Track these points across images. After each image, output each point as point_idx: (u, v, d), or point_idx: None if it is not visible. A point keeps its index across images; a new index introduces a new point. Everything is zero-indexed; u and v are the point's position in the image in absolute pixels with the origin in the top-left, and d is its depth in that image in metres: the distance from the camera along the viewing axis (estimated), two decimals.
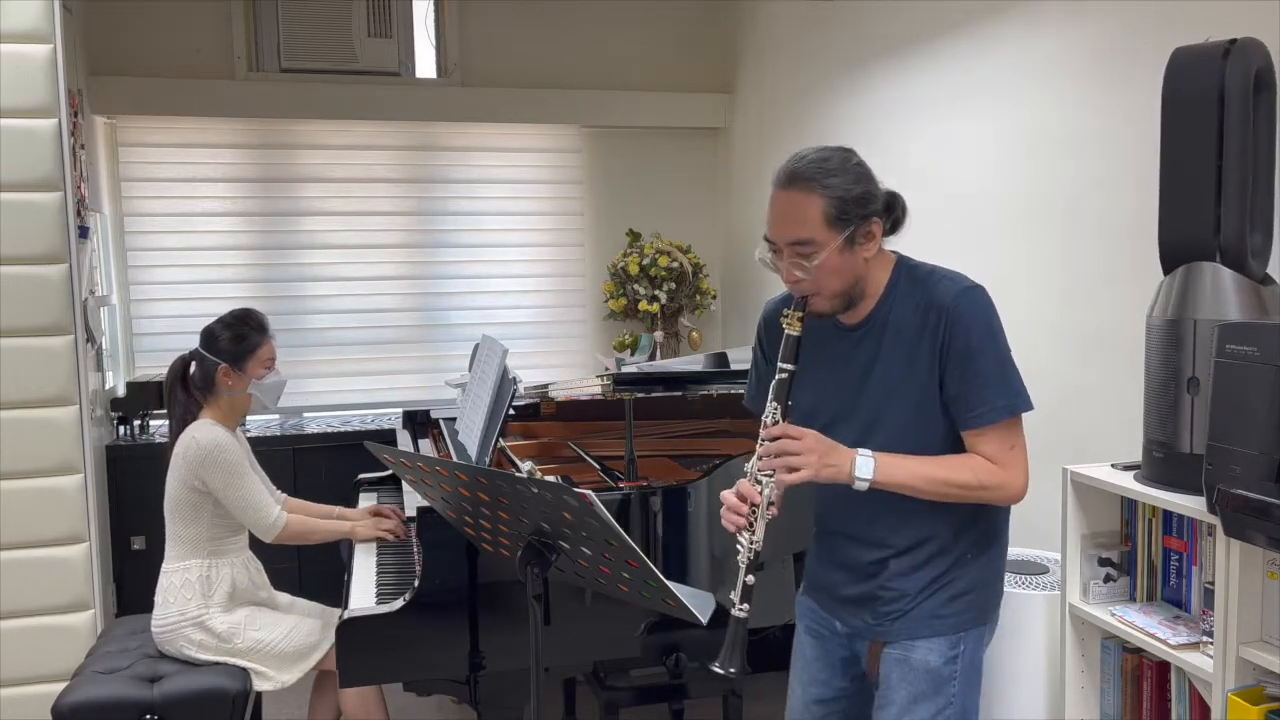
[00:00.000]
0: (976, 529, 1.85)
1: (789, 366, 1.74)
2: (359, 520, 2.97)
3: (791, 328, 1.74)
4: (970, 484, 1.75)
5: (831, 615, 1.98)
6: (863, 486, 1.72)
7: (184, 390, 2.83)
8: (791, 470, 1.69)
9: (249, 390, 2.84)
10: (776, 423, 1.73)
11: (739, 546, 1.72)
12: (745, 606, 1.69)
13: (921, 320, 1.77)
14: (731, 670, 1.68)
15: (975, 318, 1.74)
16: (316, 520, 2.94)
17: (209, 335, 2.84)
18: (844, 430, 1.81)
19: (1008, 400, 1.74)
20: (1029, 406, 1.77)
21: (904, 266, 1.84)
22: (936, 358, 1.75)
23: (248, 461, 2.81)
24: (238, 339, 2.82)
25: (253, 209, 4.74)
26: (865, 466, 1.71)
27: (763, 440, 1.73)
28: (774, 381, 1.75)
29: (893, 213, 1.81)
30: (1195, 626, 2.03)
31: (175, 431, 2.80)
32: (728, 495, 1.75)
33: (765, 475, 1.71)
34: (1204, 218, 1.96)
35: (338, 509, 3.08)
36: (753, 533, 1.72)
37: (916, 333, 1.77)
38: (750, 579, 1.71)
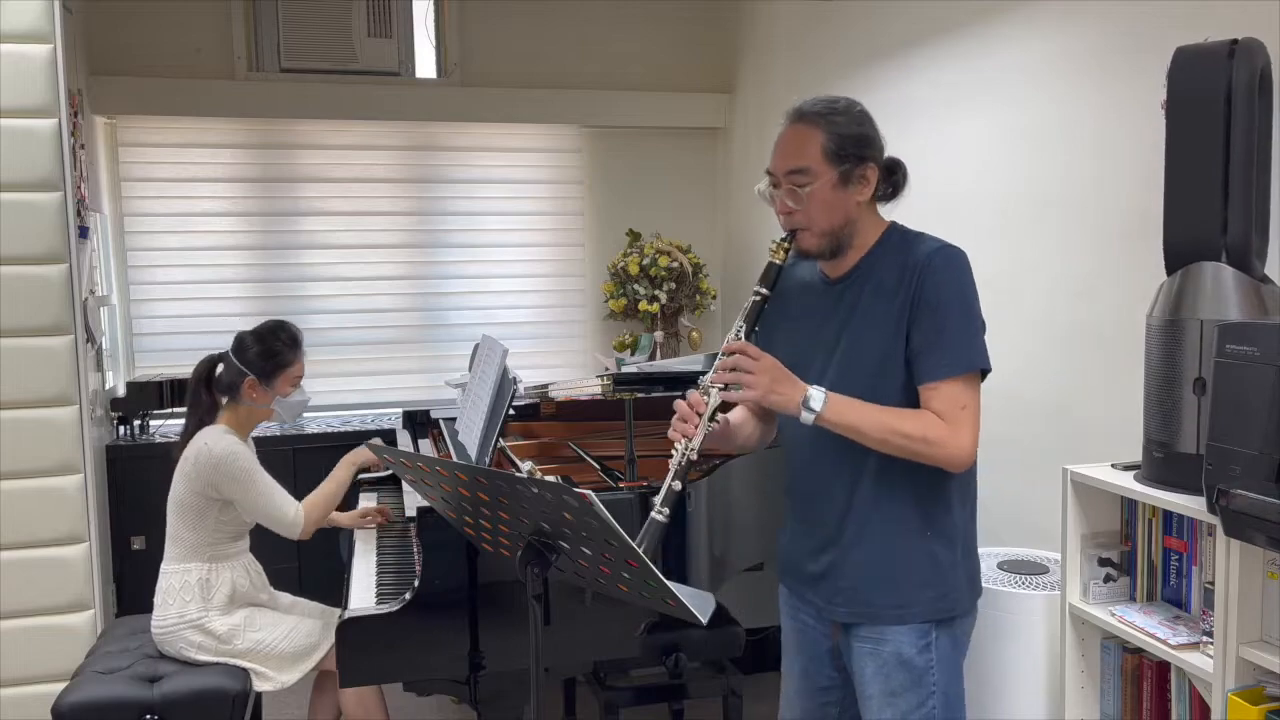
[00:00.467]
0: (934, 498, 1.83)
1: (763, 290, 1.81)
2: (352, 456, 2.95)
3: (775, 255, 1.82)
4: (914, 434, 1.73)
5: (801, 600, 1.99)
6: (808, 419, 1.73)
7: (208, 391, 2.81)
8: (742, 386, 1.73)
9: (272, 406, 2.84)
10: (739, 340, 1.77)
11: (674, 451, 1.76)
12: (666, 511, 1.71)
13: (899, 275, 1.79)
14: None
15: (947, 273, 1.76)
16: (319, 492, 2.88)
17: (241, 344, 2.82)
18: (816, 381, 1.82)
19: (966, 356, 1.75)
20: (986, 365, 1.78)
21: (895, 229, 1.88)
22: (906, 310, 1.77)
23: (259, 465, 2.79)
24: (269, 354, 2.81)
25: (253, 209, 4.73)
26: (816, 399, 1.72)
27: (722, 355, 1.77)
28: (747, 304, 1.81)
29: (893, 176, 1.87)
30: (1195, 626, 2.03)
31: (191, 431, 2.79)
32: (680, 404, 1.79)
33: (716, 387, 1.75)
34: (1211, 217, 1.95)
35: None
36: (690, 441, 1.75)
37: (894, 287, 1.80)
38: (678, 485, 1.73)
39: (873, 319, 1.81)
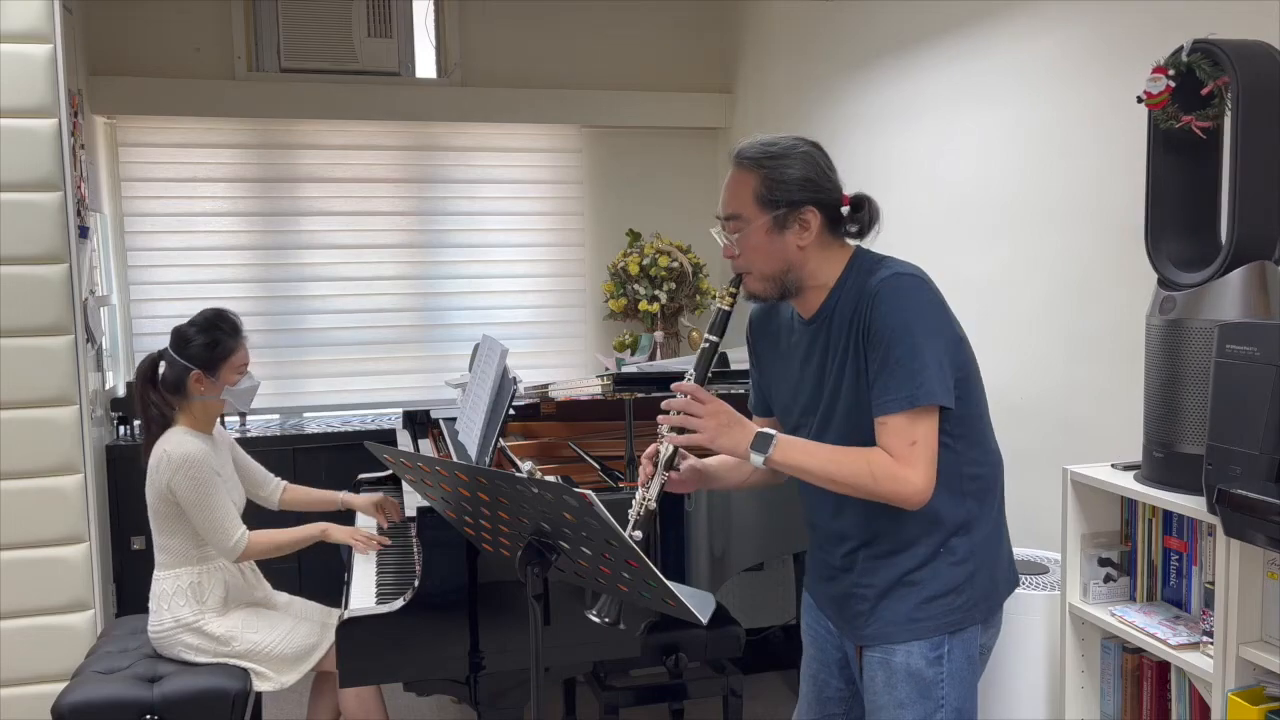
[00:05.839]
0: (945, 527, 1.80)
1: (713, 338, 1.81)
2: (332, 527, 2.86)
3: (722, 301, 1.82)
4: (862, 476, 1.69)
5: (821, 611, 2.00)
6: (758, 461, 1.71)
7: (156, 392, 2.75)
8: (689, 431, 1.73)
9: (221, 396, 2.79)
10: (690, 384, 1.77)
11: (634, 503, 1.76)
12: None
13: (854, 309, 1.76)
14: (607, 619, 1.71)
15: (893, 303, 1.70)
16: (282, 533, 2.82)
17: (180, 338, 2.76)
18: (809, 423, 1.83)
19: (909, 391, 1.68)
20: (931, 400, 1.68)
21: (856, 259, 1.83)
22: (861, 343, 1.74)
23: (218, 477, 2.72)
24: (211, 344, 2.74)
25: (253, 209, 4.74)
26: (763, 442, 1.71)
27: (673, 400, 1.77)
28: (699, 350, 1.81)
29: (858, 213, 1.82)
30: (1195, 626, 2.03)
31: (151, 435, 2.75)
32: (652, 446, 1.80)
33: (668, 435, 1.76)
34: (1275, 214, 1.93)
35: (342, 495, 3.07)
36: (648, 490, 1.76)
37: (851, 323, 1.77)
38: (638, 534, 1.73)
39: (844, 357, 1.78)
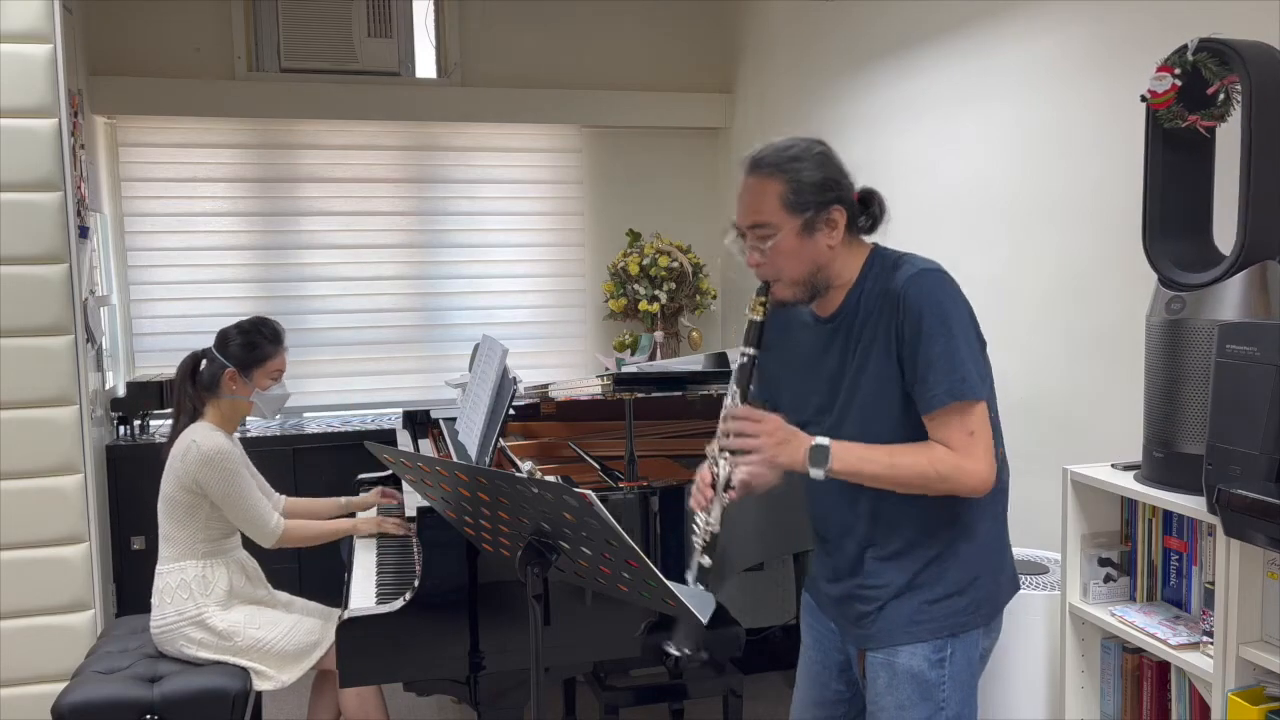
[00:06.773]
0: (952, 530, 1.80)
1: (750, 351, 1.78)
2: (361, 521, 2.99)
3: (754, 313, 1.78)
4: (927, 473, 1.70)
5: (824, 612, 1.99)
6: (818, 475, 1.69)
7: (193, 386, 2.84)
8: (746, 453, 1.70)
9: (251, 399, 2.86)
10: (737, 406, 1.74)
11: (695, 526, 1.75)
12: (700, 588, 1.69)
13: (880, 307, 1.75)
14: (686, 651, 1.69)
15: (924, 299, 1.71)
16: (317, 524, 2.94)
17: (223, 337, 2.87)
18: (823, 422, 1.82)
19: (951, 385, 1.69)
20: (975, 394, 1.69)
21: (876, 256, 1.83)
22: (892, 342, 1.74)
23: (247, 469, 2.81)
24: (250, 346, 2.84)
25: (253, 209, 4.74)
26: (820, 454, 1.69)
27: (723, 422, 1.75)
28: (736, 366, 1.78)
29: (869, 208, 1.81)
30: (1195, 626, 2.03)
31: (179, 428, 2.80)
32: (702, 470, 1.77)
33: (723, 457, 1.73)
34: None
35: (344, 499, 3.15)
36: (709, 514, 1.74)
37: (877, 320, 1.76)
38: (706, 560, 1.72)
39: (866, 353, 1.78)
